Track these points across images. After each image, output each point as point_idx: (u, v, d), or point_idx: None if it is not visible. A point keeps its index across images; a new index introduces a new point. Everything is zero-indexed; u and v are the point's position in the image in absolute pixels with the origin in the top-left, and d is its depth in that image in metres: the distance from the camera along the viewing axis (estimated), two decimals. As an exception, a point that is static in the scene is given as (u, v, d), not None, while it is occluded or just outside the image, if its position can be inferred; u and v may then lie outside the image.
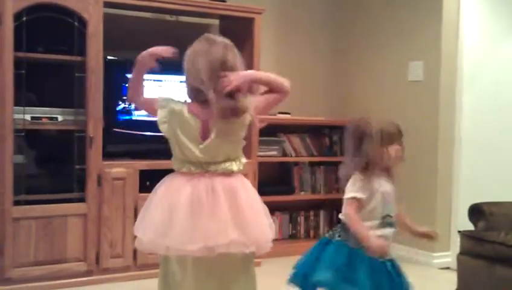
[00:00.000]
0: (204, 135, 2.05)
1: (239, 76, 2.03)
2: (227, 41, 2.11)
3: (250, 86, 2.13)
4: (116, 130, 3.74)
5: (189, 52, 2.09)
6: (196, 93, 2.06)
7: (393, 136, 2.34)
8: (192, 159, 2.06)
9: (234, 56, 2.08)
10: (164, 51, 2.13)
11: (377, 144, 2.29)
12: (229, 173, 2.08)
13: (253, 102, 2.08)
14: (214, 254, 1.97)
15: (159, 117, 2.09)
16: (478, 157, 4.40)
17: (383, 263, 2.31)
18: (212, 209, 1.99)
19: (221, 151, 2.06)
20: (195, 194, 2.01)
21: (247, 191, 2.09)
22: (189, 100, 2.12)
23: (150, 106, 2.15)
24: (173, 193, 2.05)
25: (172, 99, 2.11)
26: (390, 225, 2.36)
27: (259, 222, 2.07)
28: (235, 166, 2.09)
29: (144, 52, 2.14)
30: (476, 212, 3.33)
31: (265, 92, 2.17)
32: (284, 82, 2.16)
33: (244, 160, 2.15)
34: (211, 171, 2.06)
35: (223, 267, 2.06)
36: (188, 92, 2.11)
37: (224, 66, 2.02)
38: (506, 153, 4.52)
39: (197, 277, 2.05)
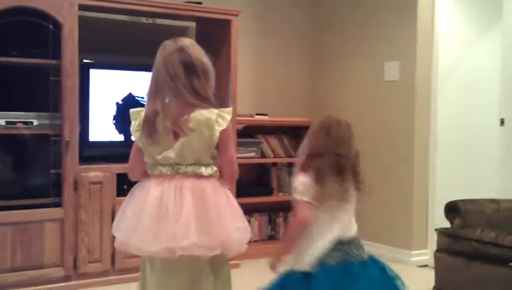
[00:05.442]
0: (175, 135, 2.07)
1: None
2: (186, 41, 2.12)
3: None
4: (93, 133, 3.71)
5: (158, 55, 2.10)
6: (164, 91, 2.08)
7: None
8: (163, 161, 2.09)
9: (199, 51, 2.09)
10: None
11: None
12: (200, 176, 2.09)
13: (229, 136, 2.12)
14: (175, 255, 1.98)
15: (132, 127, 2.15)
16: (453, 155, 4.47)
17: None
18: (177, 211, 2.01)
19: (191, 151, 2.07)
20: (164, 196, 2.03)
21: (217, 194, 2.09)
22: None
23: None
24: (143, 195, 2.08)
25: (143, 110, 2.13)
26: None
27: (227, 225, 2.07)
28: (204, 170, 2.09)
29: None
30: (452, 209, 3.37)
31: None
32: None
33: (215, 168, 2.14)
34: (181, 173, 2.08)
35: (190, 269, 2.07)
36: (153, 93, 2.11)
37: (192, 64, 2.04)
38: (480, 151, 4.59)
39: (164, 279, 2.07)
